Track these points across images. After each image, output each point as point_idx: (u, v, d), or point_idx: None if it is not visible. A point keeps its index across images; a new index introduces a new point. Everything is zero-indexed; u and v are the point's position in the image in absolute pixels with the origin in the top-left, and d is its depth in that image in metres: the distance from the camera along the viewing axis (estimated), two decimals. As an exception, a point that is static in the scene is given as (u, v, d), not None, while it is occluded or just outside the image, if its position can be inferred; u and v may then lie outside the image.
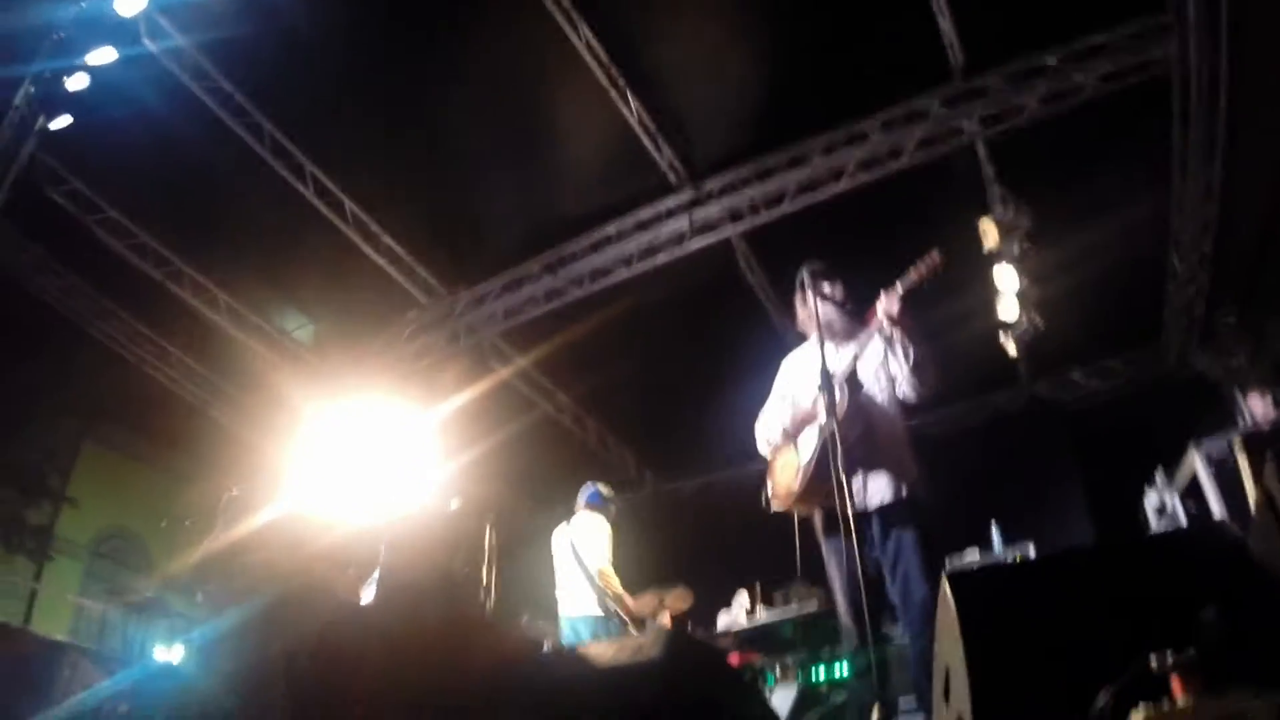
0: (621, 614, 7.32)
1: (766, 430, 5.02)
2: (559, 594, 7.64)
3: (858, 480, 4.43)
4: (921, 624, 4.03)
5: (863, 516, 4.31)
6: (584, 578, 7.44)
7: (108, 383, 11.53)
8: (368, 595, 5.28)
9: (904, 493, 4.53)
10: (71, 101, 7.44)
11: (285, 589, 3.94)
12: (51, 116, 7.55)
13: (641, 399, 11.80)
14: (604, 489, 8.08)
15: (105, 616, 12.35)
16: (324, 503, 9.14)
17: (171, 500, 12.52)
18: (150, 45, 7.56)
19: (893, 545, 4.39)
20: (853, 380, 4.59)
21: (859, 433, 4.47)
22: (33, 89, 7.47)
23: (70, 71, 7.26)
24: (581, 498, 8.08)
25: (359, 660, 3.26)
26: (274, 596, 3.90)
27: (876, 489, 4.51)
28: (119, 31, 7.18)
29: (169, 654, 7.55)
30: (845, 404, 4.41)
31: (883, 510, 4.48)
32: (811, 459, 4.58)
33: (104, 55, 7.20)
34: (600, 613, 7.37)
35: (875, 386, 4.74)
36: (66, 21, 7.10)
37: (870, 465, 4.52)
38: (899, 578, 4.33)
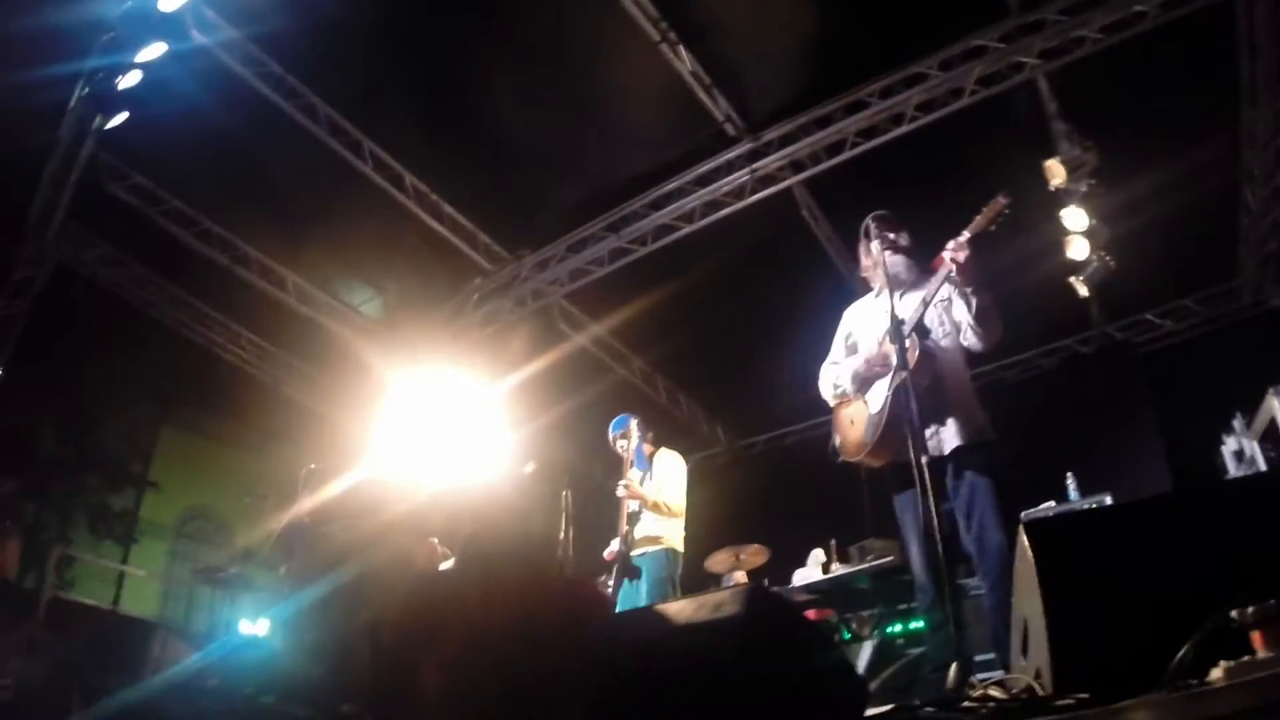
0: None
1: (835, 377, 5.00)
2: None
3: (930, 428, 4.41)
4: (999, 573, 4.01)
5: (936, 463, 4.25)
6: None
7: (182, 368, 11.89)
8: (448, 563, 5.38)
9: (976, 436, 4.51)
10: (126, 98, 7.56)
11: (367, 561, 4.02)
12: (109, 115, 7.69)
13: (711, 356, 11.77)
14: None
15: (191, 594, 12.72)
16: (402, 472, 9.31)
17: (250, 478, 12.86)
18: (200, 37, 7.66)
19: (966, 491, 4.37)
20: (920, 328, 4.56)
21: (928, 382, 4.44)
22: (87, 89, 7.61)
23: (124, 69, 7.36)
24: None
25: (440, 628, 3.33)
26: (356, 569, 3.98)
27: (949, 434, 4.49)
28: (167, 26, 7.24)
29: (255, 628, 7.74)
30: (916, 353, 4.38)
31: (956, 454, 4.45)
32: (883, 410, 4.56)
33: (154, 51, 7.28)
34: None
35: (941, 334, 4.71)
36: (115, 19, 7.20)
37: (941, 412, 4.50)
38: (974, 525, 4.30)
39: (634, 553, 6.96)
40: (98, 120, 7.79)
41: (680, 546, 7.23)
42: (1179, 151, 8.42)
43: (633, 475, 7.17)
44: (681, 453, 7.74)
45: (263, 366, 11.89)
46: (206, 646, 6.97)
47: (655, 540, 7.07)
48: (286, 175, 9.29)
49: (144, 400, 13.11)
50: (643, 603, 6.69)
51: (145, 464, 13.26)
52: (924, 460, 3.82)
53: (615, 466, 7.52)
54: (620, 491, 7.05)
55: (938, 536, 3.73)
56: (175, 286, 10.72)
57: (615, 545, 6.96)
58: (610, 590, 6.78)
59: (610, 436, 7.55)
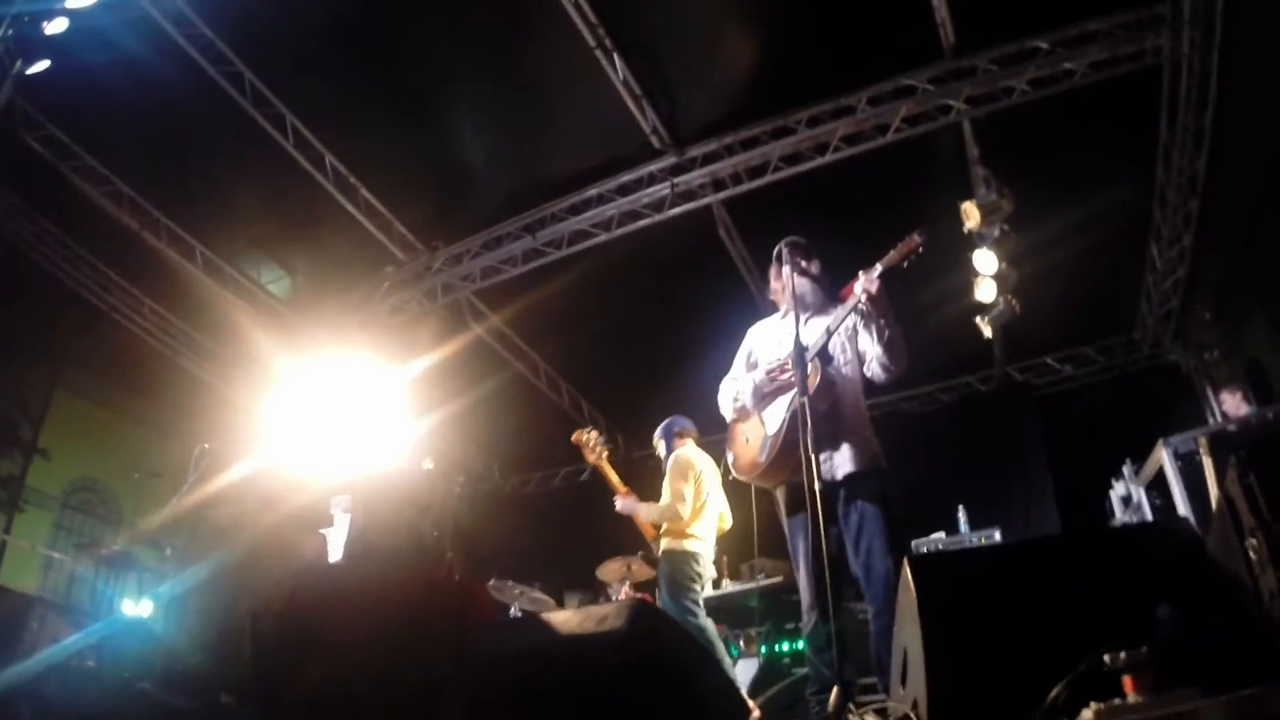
0: None
1: (735, 391, 5.02)
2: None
3: (824, 453, 4.46)
4: (884, 599, 4.06)
5: (828, 488, 4.33)
6: None
7: (81, 332, 11.45)
8: (336, 555, 5.30)
9: (870, 464, 4.57)
10: (50, 46, 7.26)
11: (253, 547, 3.94)
12: (29, 61, 7.40)
13: (616, 364, 11.80)
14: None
15: (74, 570, 12.31)
16: (296, 460, 9.13)
17: (143, 452, 12.47)
18: (132, -12, 7.42)
19: (856, 517, 4.41)
20: (824, 354, 4.61)
21: (826, 407, 4.49)
22: (10, 32, 7.33)
23: (49, 15, 7.06)
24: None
25: (324, 620, 3.27)
26: (242, 554, 3.90)
27: (843, 460, 4.53)
28: (100, -28, 7.02)
29: (137, 609, 7.53)
30: (817, 378, 4.43)
31: (848, 481, 4.50)
32: (779, 432, 4.60)
33: (83, -2, 7.03)
34: None
35: (843, 362, 4.78)
36: (47, -40, 6.97)
37: (836, 438, 4.55)
38: (862, 551, 4.35)
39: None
40: (18, 65, 7.50)
41: (685, 545, 6.91)
42: (1092, 206, 8.75)
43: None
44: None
45: (164, 338, 11.51)
46: (87, 626, 6.75)
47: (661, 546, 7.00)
48: (206, 144, 9.01)
49: (38, 362, 12.64)
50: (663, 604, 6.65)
51: (35, 429, 12.79)
52: (815, 486, 3.84)
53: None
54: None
55: (825, 559, 3.75)
56: (80, 246, 10.28)
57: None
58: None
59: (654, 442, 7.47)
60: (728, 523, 7.07)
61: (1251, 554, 2.25)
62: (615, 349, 11.45)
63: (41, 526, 13.07)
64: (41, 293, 10.40)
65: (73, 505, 14.03)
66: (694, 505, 6.90)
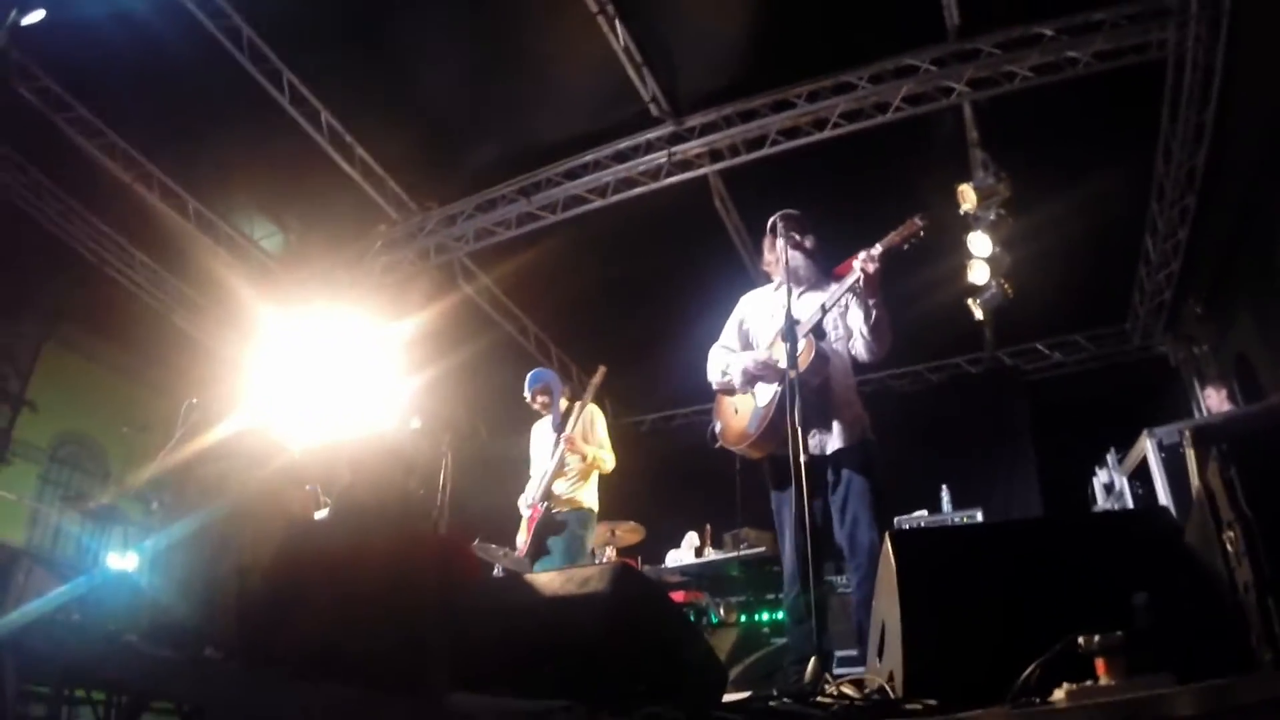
0: None
1: (725, 364, 5.00)
2: None
3: (814, 428, 4.49)
4: (867, 570, 4.10)
5: (817, 462, 4.37)
6: None
7: (71, 285, 11.39)
8: (323, 512, 5.31)
9: (858, 438, 4.60)
10: (46, -5, 7.23)
11: (240, 503, 3.94)
12: (25, 10, 7.32)
13: (607, 331, 11.78)
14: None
15: (60, 523, 12.31)
16: (285, 416, 9.13)
17: (131, 406, 12.48)
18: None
19: (843, 489, 4.45)
20: (817, 330, 4.62)
21: (818, 382, 4.53)
22: (7, -21, 7.25)
23: (46, -36, 7.03)
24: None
25: (309, 577, 3.29)
26: (229, 510, 3.91)
27: (833, 436, 4.56)
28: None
29: (123, 562, 7.54)
30: (811, 354, 4.45)
31: (837, 455, 4.53)
32: (770, 404, 4.61)
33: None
34: None
35: (834, 338, 4.79)
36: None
37: (827, 414, 4.58)
38: (848, 521, 4.39)
39: (556, 511, 6.83)
40: (13, 14, 7.42)
41: (596, 507, 7.08)
42: (1089, 195, 8.74)
43: (543, 433, 7.11)
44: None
45: (155, 292, 11.44)
46: (73, 578, 6.76)
47: (576, 500, 6.92)
48: (202, 98, 8.90)
49: (27, 314, 12.58)
50: (558, 560, 6.59)
51: (24, 382, 12.74)
52: (804, 459, 3.87)
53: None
54: (561, 445, 6.85)
55: (809, 530, 3.77)
56: (72, 199, 10.24)
57: (530, 498, 6.88)
58: (526, 549, 6.68)
59: (528, 392, 7.32)
60: None
61: (1229, 546, 2.27)
62: (605, 314, 11.45)
63: (28, 479, 13.11)
64: (33, 245, 10.35)
65: (60, 459, 14.07)
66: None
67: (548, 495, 6.84)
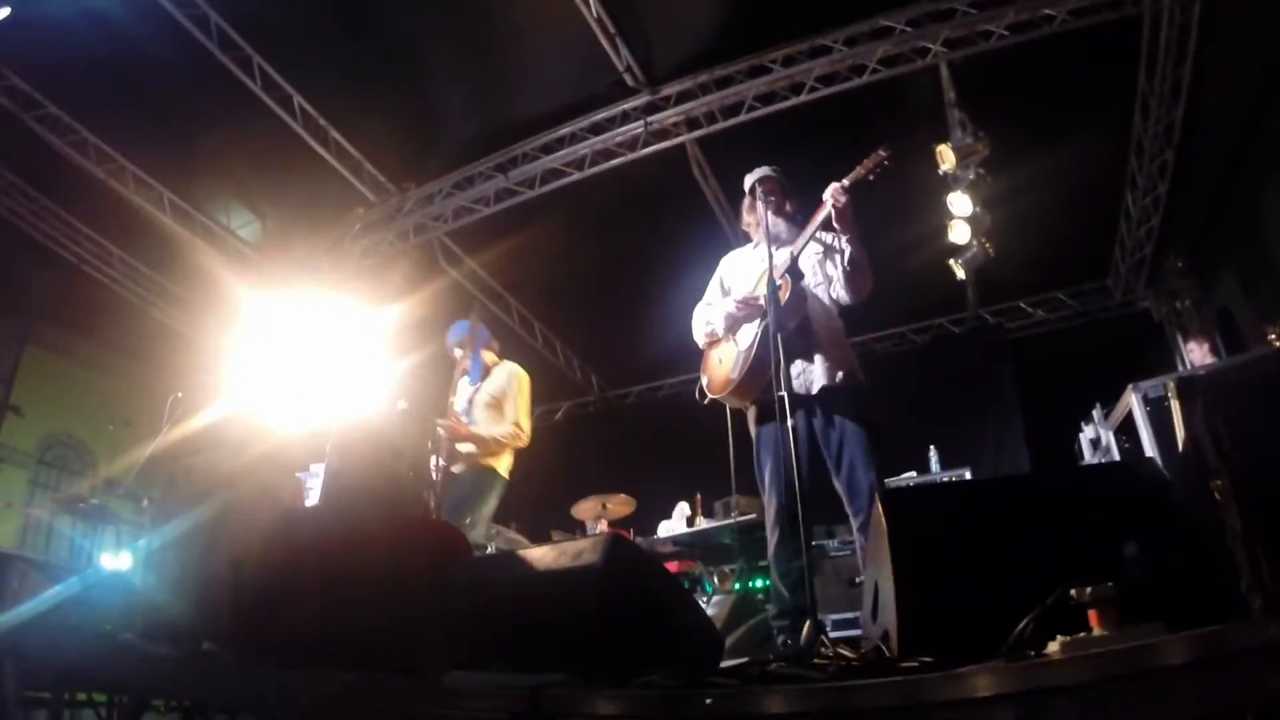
0: None
1: (707, 316, 5.00)
2: None
3: (797, 366, 4.48)
4: (868, 513, 4.06)
5: (803, 401, 4.36)
6: None
7: (49, 285, 11.30)
8: (313, 499, 5.30)
9: (846, 377, 4.57)
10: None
11: (231, 495, 3.94)
12: (-9, 9, 7.25)
13: (590, 304, 11.79)
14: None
15: (52, 525, 12.26)
16: (270, 404, 9.10)
17: (116, 404, 12.45)
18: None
19: (837, 435, 4.42)
20: (794, 270, 4.61)
21: (797, 323, 4.52)
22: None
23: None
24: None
25: (303, 565, 3.29)
26: (219, 503, 3.90)
27: (817, 373, 4.54)
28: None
29: (116, 562, 7.53)
30: (786, 292, 4.43)
31: (824, 394, 4.50)
32: (751, 346, 4.59)
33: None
34: None
35: (814, 283, 4.79)
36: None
37: (809, 352, 4.57)
38: (845, 467, 4.35)
39: (454, 468, 6.37)
40: (-22, 14, 7.33)
41: (507, 475, 6.57)
42: (1068, 152, 8.77)
43: (462, 389, 6.67)
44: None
45: (134, 288, 11.37)
46: (66, 580, 6.74)
47: (475, 458, 6.46)
48: (172, 88, 8.82)
49: (7, 318, 12.50)
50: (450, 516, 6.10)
51: (7, 387, 12.67)
52: (786, 394, 3.88)
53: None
54: (441, 422, 6.31)
55: (794, 463, 3.75)
56: (46, 198, 10.16)
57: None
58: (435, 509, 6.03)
59: (447, 345, 6.97)
60: None
61: (1216, 495, 2.28)
62: (588, 288, 11.45)
63: (18, 484, 13.05)
64: (8, 247, 10.26)
65: (48, 461, 14.01)
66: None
67: (447, 454, 6.29)
